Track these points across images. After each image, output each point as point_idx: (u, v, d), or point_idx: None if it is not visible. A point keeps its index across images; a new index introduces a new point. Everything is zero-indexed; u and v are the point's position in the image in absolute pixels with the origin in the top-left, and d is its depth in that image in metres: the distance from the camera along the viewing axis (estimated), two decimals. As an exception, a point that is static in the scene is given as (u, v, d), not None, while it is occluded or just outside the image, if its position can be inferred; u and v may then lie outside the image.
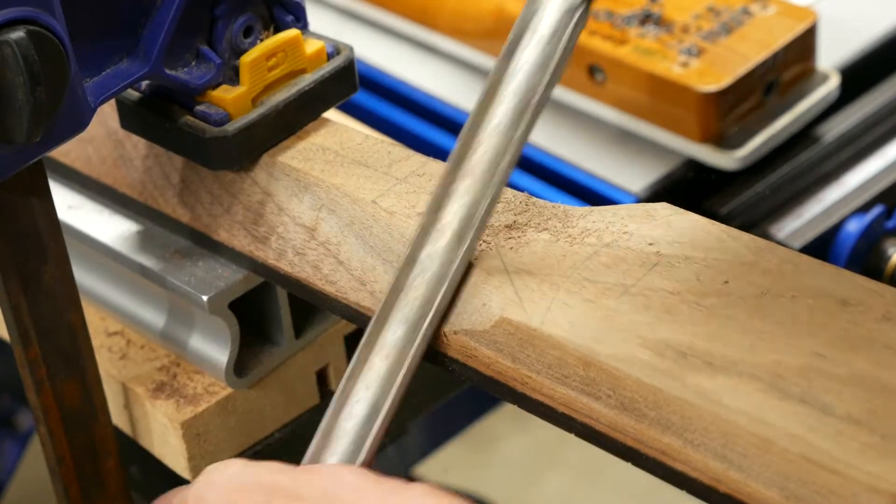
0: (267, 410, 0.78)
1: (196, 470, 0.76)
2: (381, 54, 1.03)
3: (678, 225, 0.65)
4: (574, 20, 0.64)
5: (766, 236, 0.88)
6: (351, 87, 0.75)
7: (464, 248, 0.63)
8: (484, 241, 0.66)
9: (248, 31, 0.72)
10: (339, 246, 0.69)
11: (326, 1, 1.08)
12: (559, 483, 1.78)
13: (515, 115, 0.64)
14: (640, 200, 0.89)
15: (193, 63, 0.71)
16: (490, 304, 0.63)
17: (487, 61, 0.98)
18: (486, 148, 0.64)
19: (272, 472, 0.61)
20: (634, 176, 0.91)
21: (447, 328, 0.64)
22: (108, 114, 0.76)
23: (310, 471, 0.61)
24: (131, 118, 0.74)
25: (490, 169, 0.63)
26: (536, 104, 0.64)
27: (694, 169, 0.91)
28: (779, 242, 0.87)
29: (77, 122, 0.65)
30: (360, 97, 1.00)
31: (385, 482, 0.60)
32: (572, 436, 0.62)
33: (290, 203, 0.71)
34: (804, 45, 0.91)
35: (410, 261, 0.64)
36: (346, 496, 0.59)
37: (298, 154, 0.72)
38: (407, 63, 1.02)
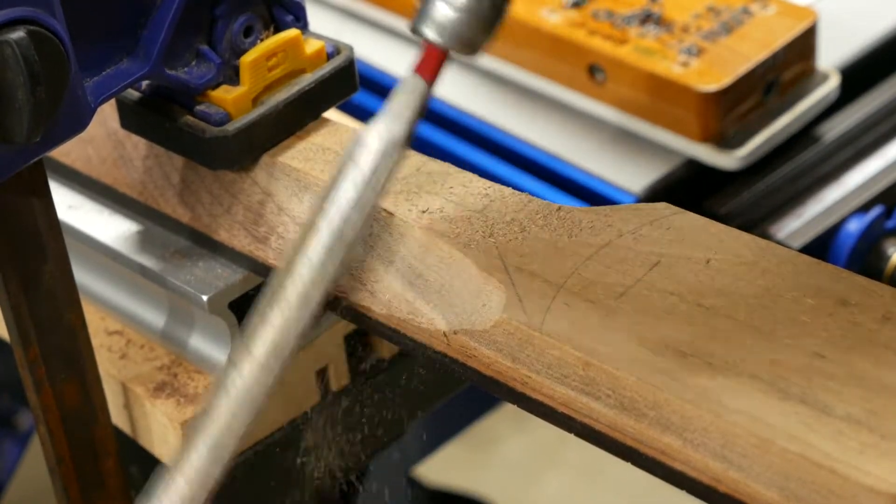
0: (267, 410, 0.78)
1: (196, 470, 0.76)
2: (382, 54, 1.03)
3: (678, 225, 0.65)
4: (393, 160, 0.64)
5: (766, 236, 0.88)
6: (351, 86, 0.75)
7: (267, 375, 0.63)
8: (484, 241, 0.66)
9: (248, 31, 0.72)
10: (339, 246, 0.69)
11: (326, 1, 1.08)
12: (559, 483, 1.78)
13: (328, 252, 0.63)
14: (640, 200, 0.89)
15: (193, 63, 0.71)
16: (490, 304, 0.63)
17: (487, 61, 0.98)
18: (301, 281, 0.63)
19: None
20: (634, 176, 0.91)
21: (447, 328, 0.64)
22: (108, 114, 0.76)
23: None
24: (131, 118, 0.74)
25: (304, 303, 0.63)
26: (350, 242, 0.64)
27: (694, 169, 0.91)
28: (779, 242, 0.87)
29: (77, 122, 0.65)
30: (361, 97, 1.00)
31: None
32: (572, 436, 0.62)
33: (290, 203, 0.71)
34: (804, 44, 0.91)
35: (218, 385, 0.64)
36: None
37: (299, 154, 0.72)
38: (407, 63, 1.02)
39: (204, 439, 0.63)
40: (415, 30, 0.64)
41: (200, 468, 0.63)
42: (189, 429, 0.65)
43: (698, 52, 0.90)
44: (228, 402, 0.63)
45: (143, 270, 0.77)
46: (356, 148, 0.64)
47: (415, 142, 0.97)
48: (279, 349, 0.63)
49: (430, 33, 0.63)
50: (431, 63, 0.65)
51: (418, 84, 0.65)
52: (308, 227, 0.64)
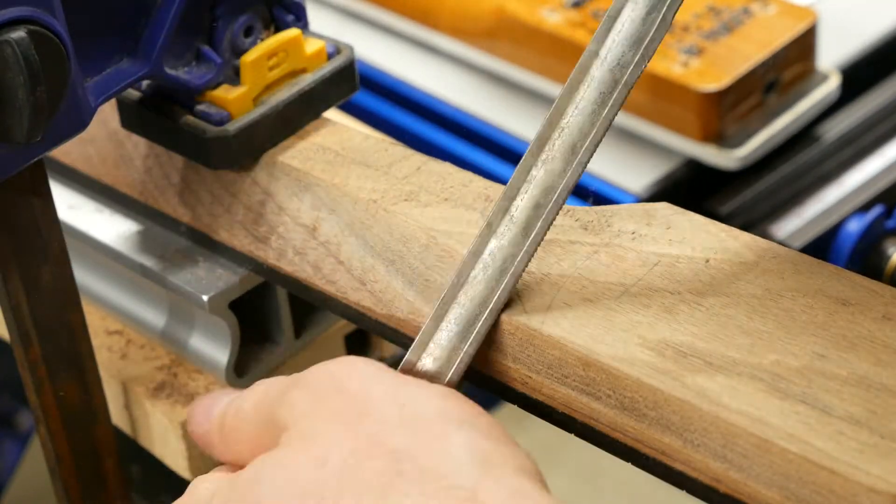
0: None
1: (196, 470, 0.76)
2: (382, 54, 1.03)
3: (678, 225, 0.65)
4: None
5: (767, 236, 0.88)
6: (351, 86, 0.75)
7: (528, 241, 0.61)
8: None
9: (248, 31, 0.72)
10: (339, 246, 0.69)
11: (327, 0, 1.08)
12: (559, 483, 1.78)
13: (601, 97, 0.61)
14: (640, 200, 0.89)
15: (194, 63, 0.71)
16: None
17: (488, 61, 0.98)
18: (569, 132, 0.61)
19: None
20: (635, 175, 0.91)
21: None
22: (108, 113, 0.76)
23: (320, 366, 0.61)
24: (132, 118, 0.74)
25: (570, 155, 0.61)
26: (626, 82, 0.61)
27: (694, 168, 0.91)
28: (779, 242, 0.87)
29: (77, 122, 0.65)
30: (361, 97, 1.00)
31: (399, 376, 0.59)
32: (572, 436, 0.62)
33: (290, 203, 0.71)
34: (804, 44, 0.91)
35: (474, 254, 0.62)
36: (353, 382, 0.59)
37: (299, 154, 0.72)
38: (407, 63, 1.02)
39: (456, 315, 0.61)
40: None
41: (450, 346, 0.61)
42: (440, 302, 0.61)
43: (698, 51, 0.90)
44: (486, 273, 0.61)
45: (143, 270, 0.77)
46: None
47: (415, 141, 0.97)
48: (541, 210, 0.61)
49: None
50: None
51: None
52: (580, 73, 0.61)
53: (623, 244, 0.64)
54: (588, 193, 0.91)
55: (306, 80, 0.73)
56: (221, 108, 0.71)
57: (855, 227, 0.88)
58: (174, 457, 0.77)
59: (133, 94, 0.73)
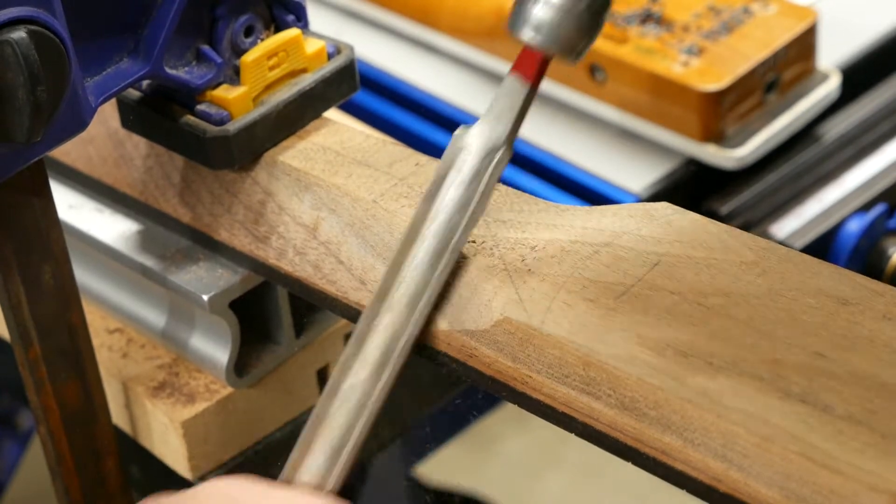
0: (267, 410, 0.78)
1: (196, 469, 0.76)
2: (382, 54, 1.03)
3: (679, 224, 0.65)
4: (494, 162, 0.64)
5: (767, 236, 0.88)
6: (352, 86, 0.75)
7: (383, 380, 0.63)
8: (485, 241, 0.66)
9: (248, 31, 0.72)
10: (339, 245, 0.69)
11: (327, 0, 1.08)
12: (559, 483, 1.78)
13: (435, 255, 0.64)
14: (640, 200, 0.89)
15: (194, 62, 0.71)
16: (490, 304, 0.63)
17: (488, 60, 0.98)
18: (407, 285, 0.64)
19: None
20: (635, 175, 0.91)
21: (447, 328, 0.64)
22: (108, 113, 0.76)
23: None
24: (132, 118, 0.74)
25: (410, 305, 0.63)
26: (455, 245, 0.64)
27: (694, 168, 0.91)
28: (779, 242, 0.87)
29: (78, 122, 0.65)
30: (361, 97, 1.00)
31: (289, 487, 0.61)
32: (573, 435, 0.62)
33: (290, 202, 0.71)
34: (805, 44, 0.91)
35: (332, 391, 0.63)
36: (248, 497, 0.59)
37: (299, 154, 0.72)
38: (407, 62, 1.02)
39: (321, 446, 0.62)
40: (512, 32, 0.63)
41: (320, 472, 0.62)
42: (301, 439, 0.63)
43: (699, 51, 0.90)
44: (344, 406, 0.63)
45: (143, 270, 0.77)
46: (457, 152, 0.64)
47: (415, 140, 0.97)
48: (391, 352, 0.63)
49: (527, 35, 0.63)
50: (530, 65, 0.64)
51: (516, 85, 0.64)
52: (413, 233, 0.64)
53: (623, 244, 0.64)
54: (588, 193, 0.91)
55: (306, 80, 0.73)
56: (221, 108, 0.71)
57: (855, 226, 0.88)
58: (174, 456, 0.77)
59: (133, 93, 0.73)
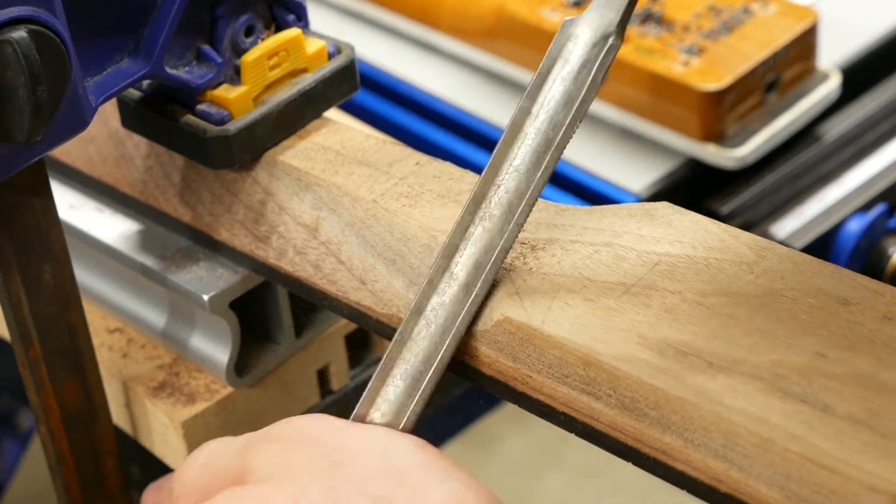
0: (267, 410, 0.78)
1: (197, 469, 0.76)
2: (383, 53, 1.03)
3: (679, 224, 0.65)
4: (605, 51, 0.62)
5: (767, 236, 0.88)
6: (352, 86, 0.75)
7: (470, 300, 0.62)
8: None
9: (249, 31, 0.72)
10: (339, 245, 0.69)
11: (327, 0, 1.08)
12: (560, 482, 1.78)
13: (537, 156, 0.62)
14: (640, 199, 0.89)
15: (194, 62, 0.71)
16: (490, 304, 0.63)
17: (488, 60, 0.98)
18: (505, 190, 0.62)
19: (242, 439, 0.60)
20: (635, 175, 0.91)
21: (448, 327, 0.64)
22: (109, 113, 0.76)
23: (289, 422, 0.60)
24: (132, 117, 0.74)
25: (508, 213, 0.62)
26: (559, 143, 0.62)
27: (695, 168, 0.91)
28: (780, 242, 0.87)
29: (78, 122, 0.65)
30: (361, 96, 1.00)
31: (375, 427, 0.59)
32: (573, 435, 0.62)
33: (291, 202, 0.71)
34: (805, 44, 0.91)
35: (417, 311, 0.62)
36: (327, 432, 0.58)
37: (299, 153, 0.72)
38: (408, 62, 1.02)
39: (402, 371, 0.61)
40: None
41: (397, 402, 0.61)
42: (384, 359, 0.61)
43: (699, 51, 0.90)
44: (429, 329, 0.61)
45: (144, 270, 0.77)
46: (564, 41, 0.61)
47: (415, 140, 0.97)
48: (480, 268, 0.61)
49: None
50: None
51: None
52: (513, 131, 0.61)
53: (623, 244, 0.64)
54: (588, 193, 0.91)
55: (307, 80, 0.73)
56: (222, 108, 0.71)
57: (855, 226, 0.88)
58: (175, 456, 0.77)
59: (134, 93, 0.73)
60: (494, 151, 0.63)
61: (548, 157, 0.62)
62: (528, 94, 0.63)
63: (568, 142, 0.63)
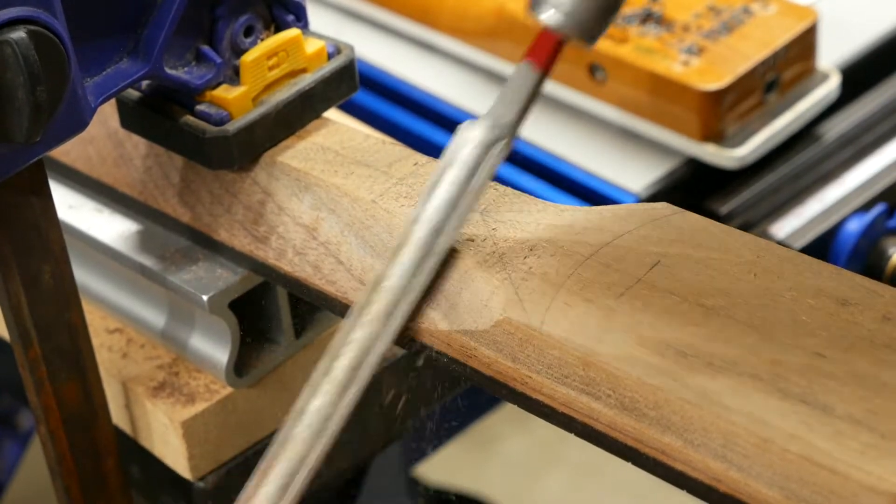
0: (267, 410, 0.78)
1: (196, 469, 0.76)
2: (382, 54, 1.03)
3: (678, 224, 0.65)
4: (493, 155, 0.64)
5: (767, 236, 0.88)
6: (351, 86, 0.75)
7: (346, 400, 0.62)
8: (485, 241, 0.66)
9: (248, 31, 0.72)
10: (339, 246, 0.69)
11: (327, 0, 1.08)
12: (560, 482, 1.78)
13: (416, 262, 0.63)
14: (640, 200, 0.89)
15: (194, 63, 0.71)
16: (490, 304, 0.63)
17: (488, 60, 0.98)
18: (385, 295, 0.63)
19: None
20: (635, 175, 0.91)
21: (447, 328, 0.64)
22: (108, 113, 0.76)
23: None
24: (132, 118, 0.74)
25: (385, 318, 0.63)
26: (439, 249, 0.63)
27: (694, 168, 0.91)
28: (779, 242, 0.87)
29: (77, 122, 0.65)
30: (361, 97, 1.00)
31: None
32: (572, 435, 0.62)
33: (290, 203, 0.71)
34: (805, 44, 0.91)
35: (299, 412, 0.63)
36: None
37: (299, 154, 0.72)
38: (408, 62, 1.02)
39: (277, 471, 0.62)
40: (531, 13, 0.61)
41: (271, 498, 0.62)
42: (261, 462, 0.63)
43: (699, 51, 0.90)
44: (309, 429, 0.62)
45: (143, 270, 0.77)
46: (458, 147, 0.63)
47: (415, 140, 0.97)
48: (357, 370, 0.62)
49: (547, 17, 0.61)
50: (545, 50, 0.62)
51: (527, 72, 0.63)
52: (402, 237, 0.63)
53: (623, 244, 0.64)
54: (588, 193, 0.91)
55: (306, 80, 0.73)
56: (221, 108, 0.71)
57: (855, 226, 0.88)
58: (174, 456, 0.77)
59: (133, 93, 0.73)
60: (389, 256, 0.64)
61: (429, 262, 0.63)
62: (420, 199, 0.64)
63: (449, 245, 0.64)
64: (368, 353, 0.63)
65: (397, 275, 0.63)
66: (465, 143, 0.64)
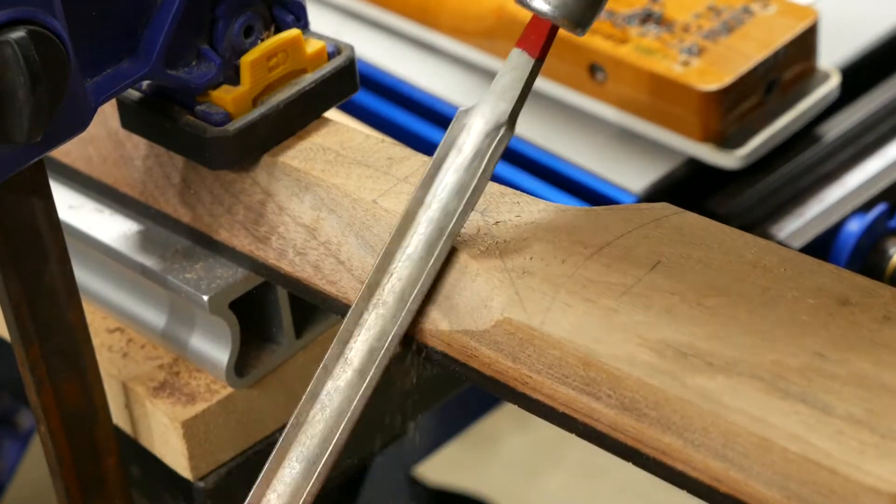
0: (267, 410, 0.78)
1: (196, 469, 0.76)
2: (382, 54, 1.03)
3: (678, 225, 0.65)
4: (496, 141, 0.64)
5: (767, 236, 0.88)
6: (352, 86, 0.75)
7: (364, 384, 0.63)
8: (485, 241, 0.66)
9: (248, 31, 0.72)
10: (339, 246, 0.69)
11: (327, 0, 1.08)
12: (560, 482, 1.78)
13: (429, 245, 0.63)
14: (640, 200, 0.89)
15: (194, 63, 0.71)
16: (490, 304, 0.63)
17: (488, 60, 0.98)
18: (398, 278, 0.63)
19: None
20: (635, 175, 0.91)
21: (448, 328, 0.64)
22: (108, 114, 0.76)
23: None
24: (132, 118, 0.74)
25: (401, 301, 0.63)
26: (451, 232, 0.64)
27: (694, 168, 0.91)
28: (779, 242, 0.87)
29: (78, 122, 0.65)
30: (361, 97, 1.00)
31: None
32: (573, 435, 0.62)
33: (290, 203, 0.71)
34: (805, 44, 0.91)
35: (312, 396, 0.63)
36: None
37: (299, 154, 0.72)
38: (407, 62, 1.02)
39: (298, 454, 0.62)
40: (521, 1, 0.62)
41: (294, 483, 0.62)
42: (281, 441, 0.63)
43: (699, 51, 0.90)
44: (324, 414, 0.62)
45: (143, 270, 0.77)
46: (458, 132, 0.63)
47: (415, 140, 0.97)
48: (374, 354, 0.62)
49: (538, 4, 0.61)
50: (537, 37, 0.62)
51: (522, 59, 0.63)
52: (407, 220, 0.63)
53: (623, 244, 0.64)
54: (588, 193, 0.91)
55: (306, 81, 0.73)
56: (221, 109, 0.71)
57: (855, 226, 0.88)
58: (175, 456, 0.77)
59: (133, 94, 0.73)
60: (389, 239, 0.64)
61: (440, 246, 0.64)
62: (422, 184, 0.64)
63: (460, 229, 0.64)
64: (384, 336, 0.63)
65: (410, 256, 0.63)
66: (466, 131, 0.63)
